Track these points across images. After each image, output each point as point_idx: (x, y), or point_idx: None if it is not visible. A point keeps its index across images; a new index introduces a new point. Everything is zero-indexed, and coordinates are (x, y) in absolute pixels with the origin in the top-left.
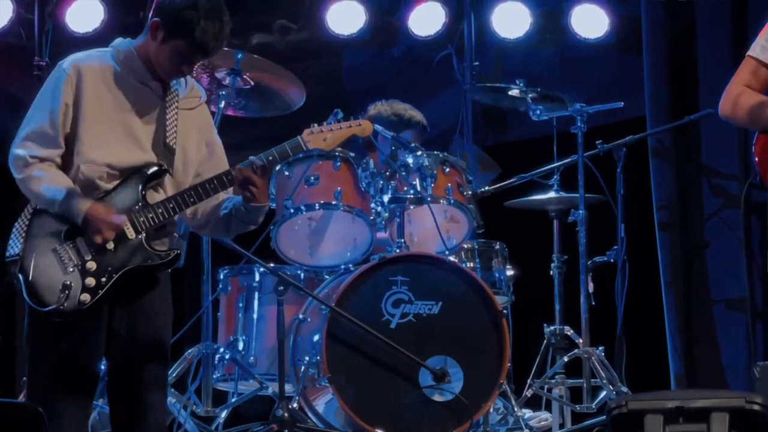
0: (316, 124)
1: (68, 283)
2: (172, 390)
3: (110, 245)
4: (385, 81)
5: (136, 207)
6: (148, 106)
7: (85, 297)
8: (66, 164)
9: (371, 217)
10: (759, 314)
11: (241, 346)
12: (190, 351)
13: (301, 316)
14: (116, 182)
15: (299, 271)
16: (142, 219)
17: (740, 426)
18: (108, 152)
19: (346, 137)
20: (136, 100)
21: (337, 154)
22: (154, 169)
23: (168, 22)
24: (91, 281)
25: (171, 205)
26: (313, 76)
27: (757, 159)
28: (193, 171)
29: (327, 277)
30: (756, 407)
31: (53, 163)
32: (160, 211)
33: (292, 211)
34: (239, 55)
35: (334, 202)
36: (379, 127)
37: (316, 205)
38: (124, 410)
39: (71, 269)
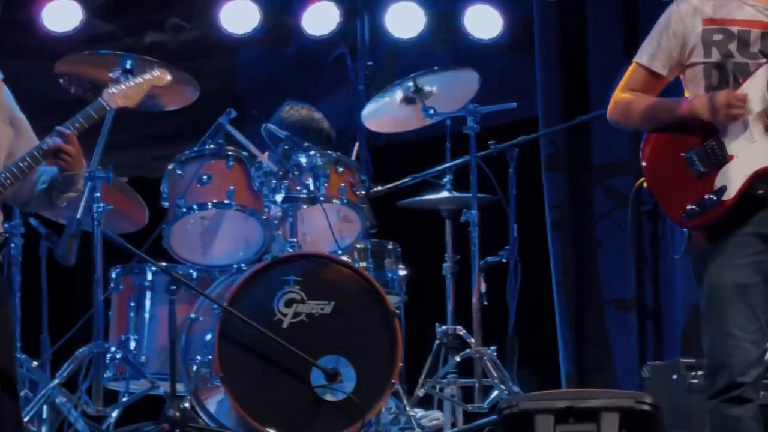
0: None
1: None
2: (63, 389)
3: None
4: (278, 80)
5: None
6: None
7: None
8: None
9: (264, 217)
10: (649, 314)
11: (132, 345)
12: (81, 350)
13: (193, 316)
14: None
15: (191, 271)
16: None
17: (630, 426)
18: None
19: (147, 89)
20: None
21: (229, 153)
22: None
23: None
24: None
25: None
26: (206, 74)
27: (644, 164)
28: (5, 152)
29: (219, 276)
30: (645, 407)
31: None
32: None
33: (184, 210)
34: (129, 61)
35: (226, 201)
36: (272, 126)
37: (209, 204)
38: None
39: None
